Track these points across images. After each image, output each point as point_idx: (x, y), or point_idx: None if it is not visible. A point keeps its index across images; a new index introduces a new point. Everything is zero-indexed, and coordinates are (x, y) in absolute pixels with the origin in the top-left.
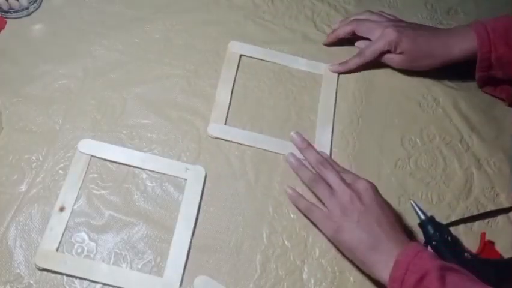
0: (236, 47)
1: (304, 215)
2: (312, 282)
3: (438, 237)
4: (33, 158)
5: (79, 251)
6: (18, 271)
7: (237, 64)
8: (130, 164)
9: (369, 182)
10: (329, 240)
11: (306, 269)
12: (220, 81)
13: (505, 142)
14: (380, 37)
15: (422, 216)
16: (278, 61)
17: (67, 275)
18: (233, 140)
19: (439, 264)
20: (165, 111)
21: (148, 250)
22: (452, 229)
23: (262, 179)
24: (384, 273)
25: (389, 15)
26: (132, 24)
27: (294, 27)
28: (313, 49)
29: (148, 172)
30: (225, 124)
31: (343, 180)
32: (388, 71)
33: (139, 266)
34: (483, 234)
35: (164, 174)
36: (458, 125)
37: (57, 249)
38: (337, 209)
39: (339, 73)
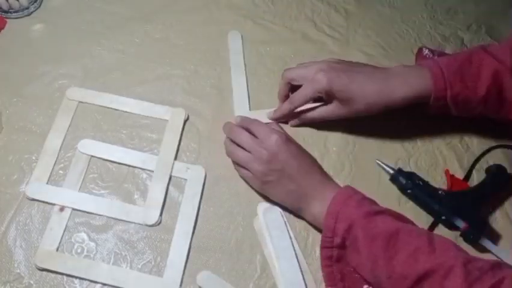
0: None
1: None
2: (312, 282)
3: (411, 184)
4: (33, 158)
5: (79, 251)
6: (18, 271)
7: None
8: (130, 164)
9: (279, 135)
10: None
11: (306, 268)
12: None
13: (505, 142)
14: (309, 83)
15: (391, 171)
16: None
17: (67, 275)
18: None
19: (364, 211)
20: None
21: (148, 250)
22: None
23: None
24: (314, 211)
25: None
26: (132, 24)
27: (294, 27)
28: (313, 49)
29: (148, 172)
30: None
31: (254, 140)
32: None
33: (139, 266)
34: (447, 171)
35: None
36: (458, 125)
37: (57, 249)
38: (258, 171)
39: (276, 120)
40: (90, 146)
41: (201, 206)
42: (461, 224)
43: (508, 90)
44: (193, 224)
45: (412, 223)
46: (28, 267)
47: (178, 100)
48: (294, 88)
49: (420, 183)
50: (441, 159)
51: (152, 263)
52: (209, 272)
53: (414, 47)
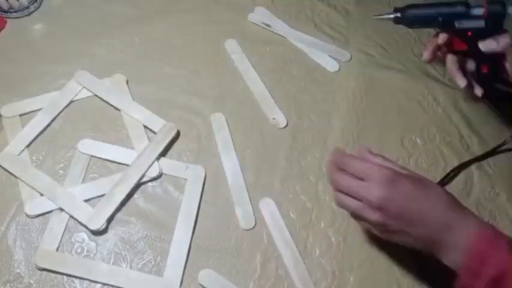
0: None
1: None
2: (312, 282)
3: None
4: (34, 157)
5: (79, 250)
6: (18, 271)
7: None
8: (130, 163)
9: (384, 172)
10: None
11: (306, 268)
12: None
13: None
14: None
15: (391, 15)
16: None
17: (67, 275)
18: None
19: None
20: (165, 111)
21: (148, 250)
22: None
23: (262, 179)
24: (452, 257)
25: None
26: (132, 24)
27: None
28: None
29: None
30: None
31: (358, 183)
32: (388, 71)
33: (139, 266)
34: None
35: (164, 173)
36: (458, 125)
37: (57, 249)
38: (373, 221)
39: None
40: (90, 146)
41: (201, 206)
42: (481, 10)
43: None
44: (193, 224)
45: None
46: (28, 267)
47: (178, 100)
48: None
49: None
50: (442, 159)
51: (152, 262)
52: (211, 270)
53: (414, 47)
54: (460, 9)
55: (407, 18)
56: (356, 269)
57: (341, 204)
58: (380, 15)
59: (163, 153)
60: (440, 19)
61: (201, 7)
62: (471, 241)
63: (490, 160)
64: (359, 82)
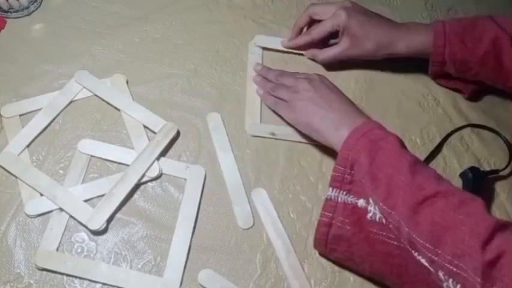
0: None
1: (272, 111)
2: (312, 282)
3: None
4: (34, 158)
5: (79, 250)
6: (18, 271)
7: (261, 60)
8: (130, 163)
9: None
10: (291, 125)
11: (306, 268)
12: (247, 81)
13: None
14: (329, 17)
15: None
16: None
17: (67, 275)
18: (274, 137)
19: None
20: (165, 111)
21: (148, 250)
22: None
23: (262, 179)
24: (334, 137)
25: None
26: (132, 24)
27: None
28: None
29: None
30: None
31: (297, 78)
32: (388, 70)
33: (139, 266)
34: None
35: (164, 173)
36: (458, 125)
37: (57, 249)
38: (292, 95)
39: (288, 48)
40: (90, 146)
41: (201, 206)
42: None
43: (506, 57)
44: (193, 224)
45: None
46: (28, 267)
47: (178, 100)
48: (311, 25)
49: None
50: (442, 159)
51: (152, 262)
52: (210, 270)
53: None
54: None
55: None
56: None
57: (274, 89)
58: None
59: (163, 153)
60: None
61: (201, 7)
62: (360, 121)
63: (490, 160)
64: (359, 82)
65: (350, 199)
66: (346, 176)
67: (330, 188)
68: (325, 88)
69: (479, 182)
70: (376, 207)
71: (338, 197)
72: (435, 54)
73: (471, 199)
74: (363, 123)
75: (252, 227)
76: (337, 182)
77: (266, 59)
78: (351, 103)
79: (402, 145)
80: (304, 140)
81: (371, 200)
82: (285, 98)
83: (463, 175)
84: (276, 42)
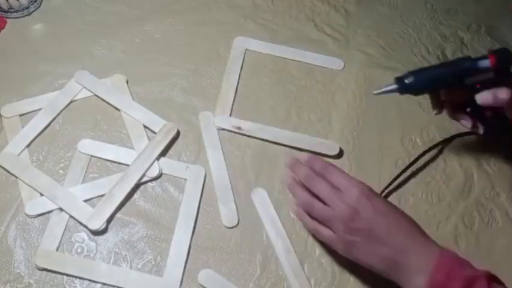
0: (241, 42)
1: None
2: (312, 282)
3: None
4: (34, 158)
5: (79, 250)
6: (18, 271)
7: (242, 58)
8: (130, 163)
9: (362, 187)
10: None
11: (306, 268)
12: (225, 74)
13: (505, 142)
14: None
15: (394, 86)
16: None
17: (67, 275)
18: (239, 132)
19: (485, 272)
20: (165, 111)
21: (148, 250)
22: None
23: (262, 179)
24: (414, 282)
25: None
26: (132, 24)
27: (294, 26)
28: (314, 49)
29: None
30: (230, 116)
31: (336, 192)
32: (388, 71)
33: (139, 266)
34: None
35: (164, 173)
36: (458, 125)
37: (57, 249)
38: (340, 229)
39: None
40: (90, 146)
41: (201, 206)
42: (487, 62)
43: None
44: (193, 224)
45: None
46: (28, 267)
47: (178, 100)
48: None
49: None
50: (442, 158)
51: (152, 262)
52: (210, 270)
53: (414, 47)
54: (467, 64)
55: (413, 86)
56: (356, 269)
57: (307, 205)
58: (380, 89)
59: (163, 153)
60: (450, 80)
61: (201, 7)
62: (434, 264)
63: (490, 160)
64: (359, 82)
65: None
66: None
67: None
68: (379, 219)
69: None
70: None
71: None
72: None
73: None
74: (439, 265)
75: (236, 225)
76: None
77: (266, 59)
78: (410, 223)
79: (488, 278)
80: (272, 140)
81: None
82: (329, 225)
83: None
84: (257, 45)
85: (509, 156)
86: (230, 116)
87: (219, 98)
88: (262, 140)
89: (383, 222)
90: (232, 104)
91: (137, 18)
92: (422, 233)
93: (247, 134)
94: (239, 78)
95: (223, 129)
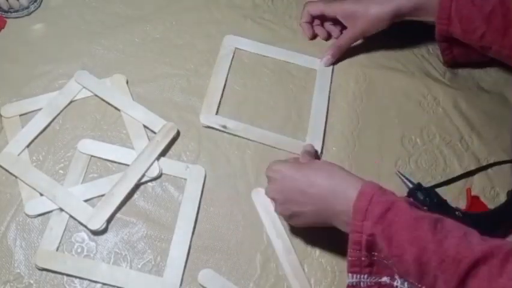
0: (231, 41)
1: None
2: (312, 282)
3: (428, 201)
4: (34, 158)
5: (79, 250)
6: (18, 271)
7: (231, 57)
8: (130, 163)
9: (282, 168)
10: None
11: (306, 268)
12: (213, 72)
13: (505, 142)
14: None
15: (410, 185)
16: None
17: (67, 275)
18: (225, 130)
19: (406, 198)
20: (165, 111)
21: (148, 250)
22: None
23: (262, 179)
24: (342, 218)
25: None
26: (132, 24)
27: (294, 26)
28: (314, 49)
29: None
30: (216, 114)
31: (271, 179)
32: (388, 70)
33: (139, 266)
34: (468, 190)
35: (164, 173)
36: (458, 125)
37: (57, 249)
38: (275, 205)
39: (328, 65)
40: (90, 146)
41: (201, 206)
42: None
43: None
44: (193, 224)
45: None
46: (28, 267)
47: (178, 100)
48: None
49: (436, 200)
50: (442, 158)
51: (152, 262)
52: (210, 270)
53: (415, 47)
54: None
55: None
56: None
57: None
58: (404, 176)
59: (163, 153)
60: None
61: (201, 7)
62: (360, 188)
63: (490, 160)
64: (359, 82)
65: (373, 280)
66: (363, 258)
67: (350, 275)
68: (300, 180)
69: None
70: (405, 283)
71: (359, 282)
72: (441, 9)
73: (508, 253)
74: (361, 194)
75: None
76: (355, 267)
77: (266, 59)
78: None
79: (409, 203)
80: (255, 139)
81: (396, 277)
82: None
83: None
84: (247, 44)
85: (509, 156)
86: (217, 114)
87: (205, 96)
88: (248, 139)
89: (293, 187)
90: (219, 103)
91: (137, 18)
92: (341, 172)
93: (233, 133)
94: (227, 77)
95: (209, 127)
